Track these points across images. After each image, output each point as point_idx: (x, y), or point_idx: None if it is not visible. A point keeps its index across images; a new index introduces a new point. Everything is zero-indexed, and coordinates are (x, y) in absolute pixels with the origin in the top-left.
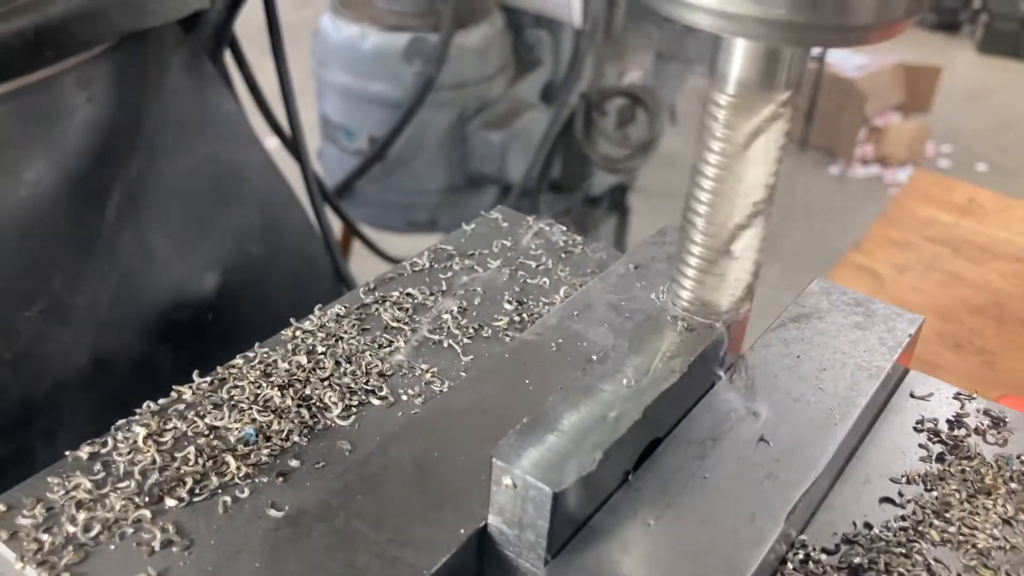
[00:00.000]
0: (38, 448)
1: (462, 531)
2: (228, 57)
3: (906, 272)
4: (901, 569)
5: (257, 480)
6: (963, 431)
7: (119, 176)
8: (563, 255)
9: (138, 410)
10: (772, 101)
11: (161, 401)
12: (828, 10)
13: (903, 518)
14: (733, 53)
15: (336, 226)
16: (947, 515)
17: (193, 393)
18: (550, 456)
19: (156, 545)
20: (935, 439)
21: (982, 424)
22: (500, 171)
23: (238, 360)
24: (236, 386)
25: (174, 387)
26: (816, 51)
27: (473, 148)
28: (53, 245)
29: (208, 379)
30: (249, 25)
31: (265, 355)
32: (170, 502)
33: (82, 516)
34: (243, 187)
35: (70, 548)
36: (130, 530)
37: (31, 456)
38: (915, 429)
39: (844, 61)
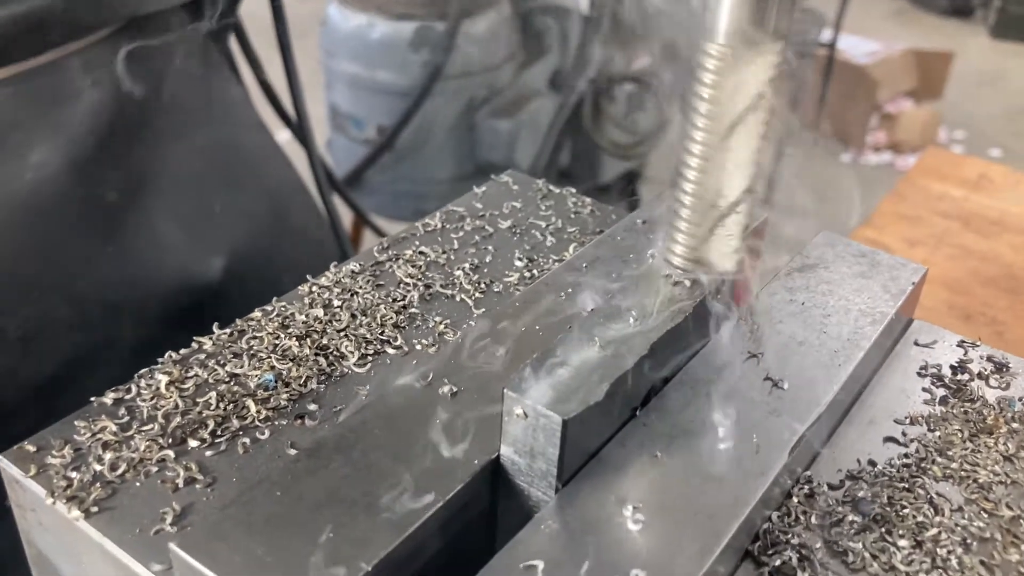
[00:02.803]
0: (45, 427)
1: (476, 461)
2: (234, 44)
3: (917, 246)
4: (904, 502)
5: (276, 423)
6: (966, 376)
7: (124, 159)
8: (572, 215)
9: (160, 359)
10: (762, 52)
11: (182, 351)
12: None
13: (906, 456)
14: (722, 3)
15: (346, 217)
16: (949, 453)
17: (213, 344)
18: (560, 387)
19: (180, 482)
20: (938, 383)
21: (985, 369)
22: (508, 159)
23: (256, 313)
24: (255, 337)
25: (195, 338)
26: (826, 38)
27: (481, 136)
28: (58, 227)
29: (228, 330)
30: (257, 20)
31: (283, 308)
32: (193, 443)
33: (108, 456)
34: (249, 171)
35: (98, 485)
36: (155, 469)
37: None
38: (919, 374)
39: (855, 48)
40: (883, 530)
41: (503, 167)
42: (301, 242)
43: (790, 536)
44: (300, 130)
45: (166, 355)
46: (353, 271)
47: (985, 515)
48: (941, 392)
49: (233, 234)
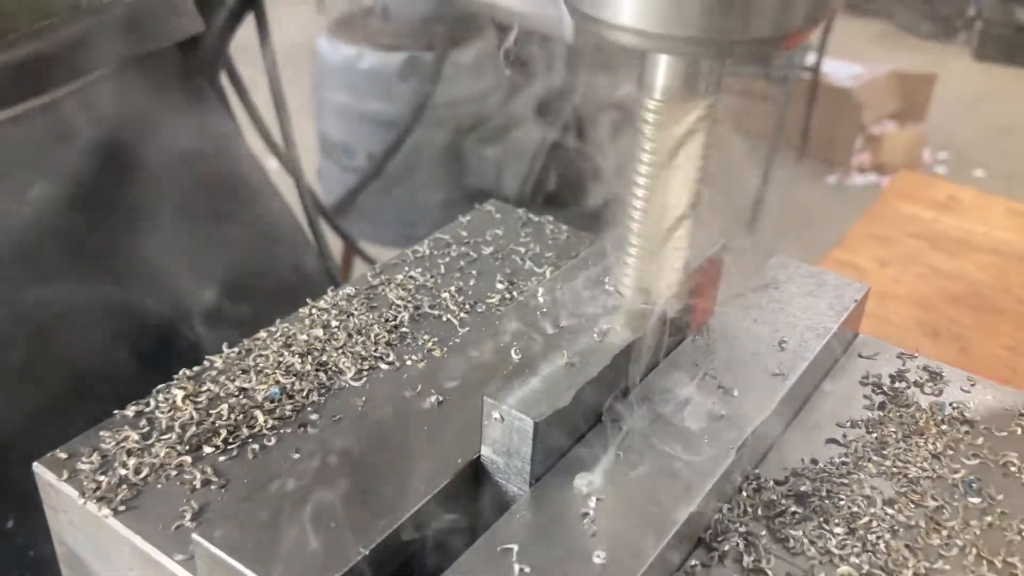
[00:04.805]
0: (43, 453)
1: (459, 460)
2: (224, 79)
3: (888, 266)
4: (842, 495)
5: (282, 431)
6: (903, 384)
7: (120, 193)
8: (550, 241)
9: (175, 376)
10: (695, 108)
11: (195, 368)
12: (735, 27)
13: (846, 455)
14: (657, 66)
15: (336, 243)
16: (884, 452)
17: (223, 361)
18: (532, 394)
19: (197, 484)
20: (878, 391)
21: (921, 378)
22: (496, 185)
23: (261, 333)
24: (261, 355)
25: (206, 356)
26: (810, 61)
27: (469, 163)
28: (57, 261)
29: (236, 349)
30: (248, 49)
31: (285, 328)
32: (207, 449)
33: (132, 462)
34: (240, 203)
35: (124, 487)
36: (174, 472)
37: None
38: (861, 383)
39: (839, 71)
40: (821, 519)
41: (491, 193)
42: (291, 270)
43: (738, 525)
44: (289, 161)
45: (180, 372)
46: (349, 294)
47: (913, 506)
48: (880, 399)
49: (225, 263)
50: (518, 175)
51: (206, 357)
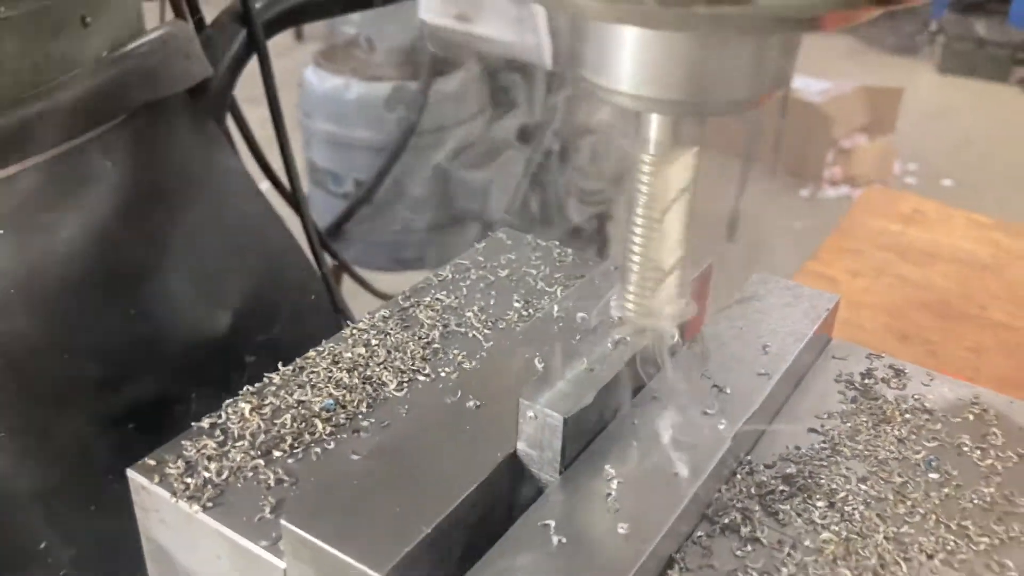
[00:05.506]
0: (74, 481)
1: (499, 455)
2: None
3: (859, 277)
4: (822, 475)
5: (339, 436)
6: (872, 380)
7: (140, 230)
8: (558, 263)
9: (241, 392)
10: (682, 155)
11: (257, 384)
12: (716, 92)
13: (824, 442)
14: (650, 122)
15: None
16: (857, 438)
17: (280, 378)
18: (560, 395)
19: (271, 483)
20: (850, 387)
21: (887, 375)
22: (482, 208)
23: (311, 353)
24: (313, 371)
25: (265, 374)
26: None
27: (456, 187)
28: (87, 294)
29: (290, 368)
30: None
31: (332, 347)
32: (276, 453)
33: (213, 466)
34: (248, 234)
35: (208, 487)
36: (250, 474)
37: (68, 489)
38: (835, 380)
39: (808, 87)
40: (805, 496)
41: (477, 215)
42: (297, 296)
43: (735, 502)
44: (292, 194)
45: (244, 388)
46: (384, 316)
47: (882, 482)
48: (852, 393)
49: (237, 291)
50: (504, 197)
51: (265, 375)
